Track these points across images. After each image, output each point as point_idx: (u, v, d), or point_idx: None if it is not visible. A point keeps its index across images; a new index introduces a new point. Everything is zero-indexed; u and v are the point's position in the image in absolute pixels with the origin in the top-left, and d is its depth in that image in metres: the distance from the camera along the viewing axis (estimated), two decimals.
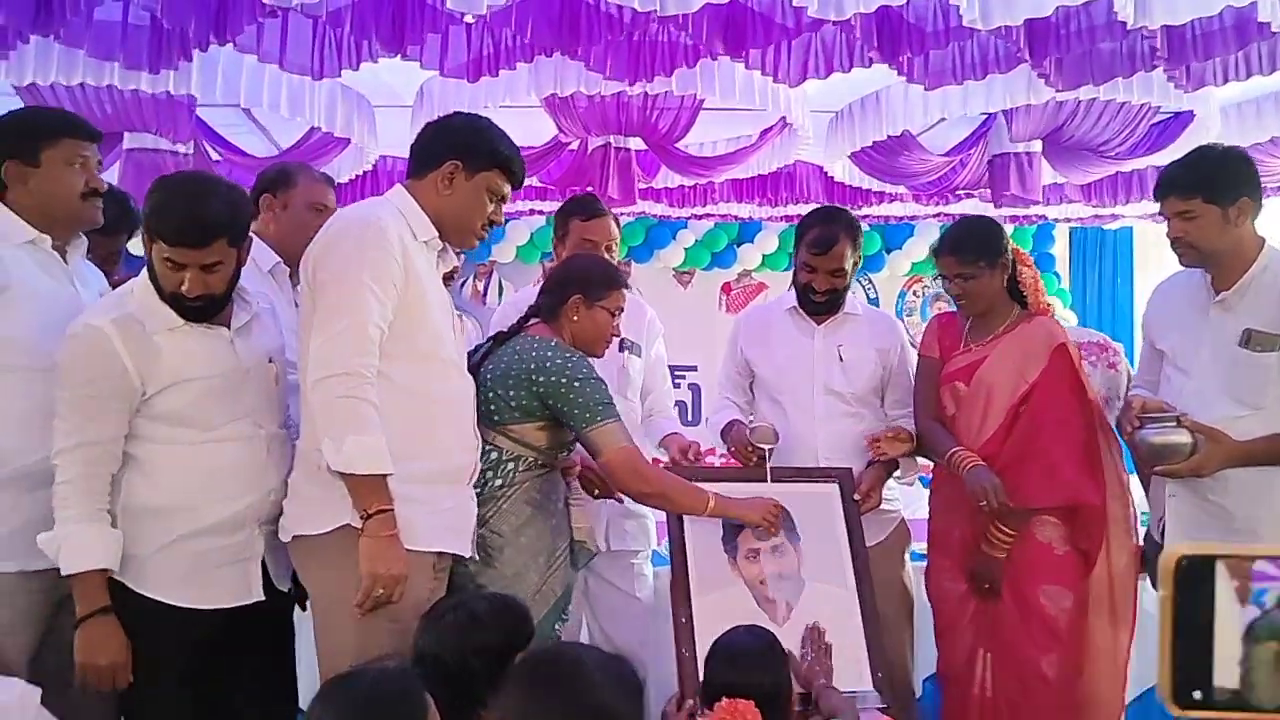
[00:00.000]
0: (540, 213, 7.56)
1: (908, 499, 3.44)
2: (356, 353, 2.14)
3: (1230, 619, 0.77)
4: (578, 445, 2.63)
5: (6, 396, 2.25)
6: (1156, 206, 7.04)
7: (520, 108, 4.51)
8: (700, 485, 2.70)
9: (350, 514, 2.15)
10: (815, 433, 3.11)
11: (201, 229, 2.16)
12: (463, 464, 2.36)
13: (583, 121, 4.82)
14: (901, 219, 8.07)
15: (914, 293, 8.81)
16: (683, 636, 2.65)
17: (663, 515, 2.91)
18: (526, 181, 5.99)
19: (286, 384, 2.45)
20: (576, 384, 2.45)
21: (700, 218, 8.06)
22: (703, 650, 2.54)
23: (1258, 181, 2.66)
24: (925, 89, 4.38)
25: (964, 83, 4.33)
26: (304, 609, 2.37)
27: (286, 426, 2.43)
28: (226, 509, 2.27)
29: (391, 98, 5.07)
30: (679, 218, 8.05)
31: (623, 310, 2.72)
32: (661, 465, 3.09)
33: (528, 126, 4.63)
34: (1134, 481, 3.01)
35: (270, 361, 2.39)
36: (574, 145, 5.52)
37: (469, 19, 3.84)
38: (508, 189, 2.43)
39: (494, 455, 2.48)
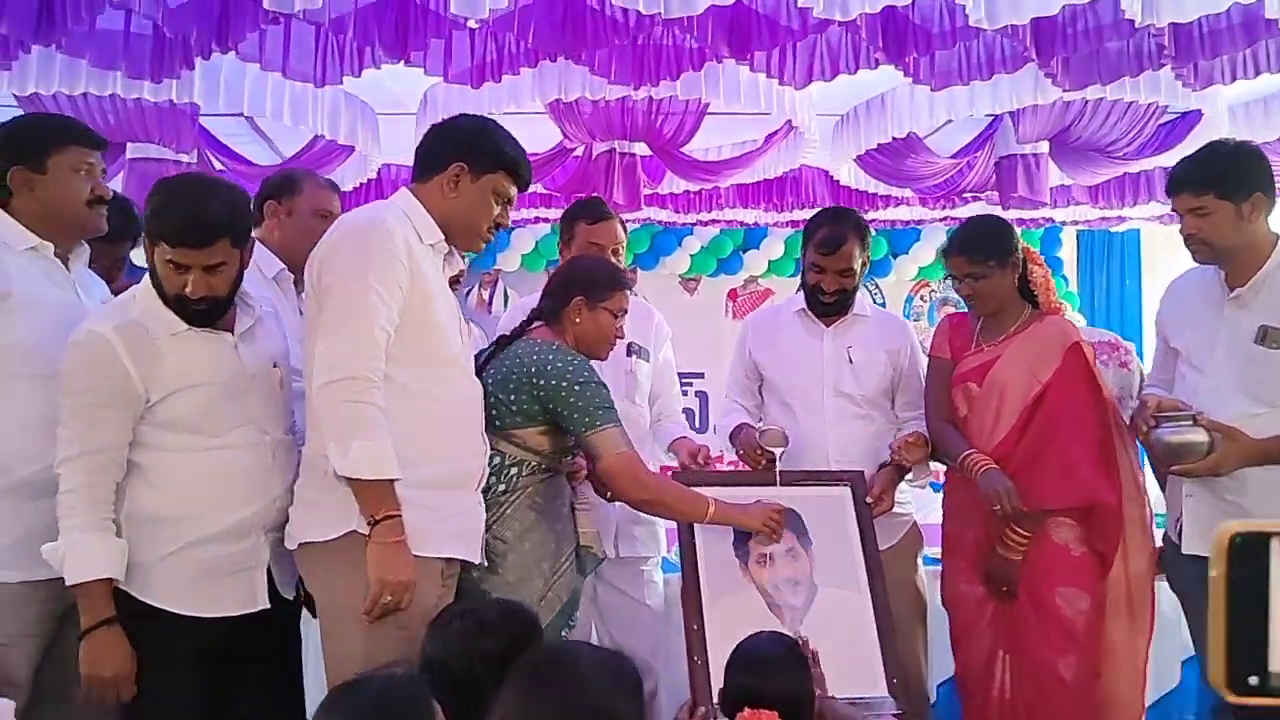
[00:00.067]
0: (545, 220, 7.53)
1: (920, 503, 3.41)
2: (363, 357, 2.11)
3: None
4: None
5: (8, 404, 2.23)
6: (1164, 208, 7.03)
7: (524, 114, 4.49)
8: (701, 491, 2.66)
9: (357, 520, 2.13)
10: (825, 435, 3.08)
11: (204, 229, 2.14)
12: (471, 469, 2.33)
13: (587, 127, 4.80)
14: (908, 223, 8.04)
15: (921, 297, 8.78)
16: (694, 644, 2.61)
17: (673, 523, 2.88)
18: (531, 189, 6.01)
19: (291, 390, 2.42)
20: (577, 388, 2.42)
21: (706, 224, 8.03)
22: (715, 657, 2.51)
23: (1271, 177, 2.63)
24: (931, 90, 4.34)
25: (970, 83, 4.29)
26: (314, 615, 2.33)
27: (292, 432, 2.41)
28: (232, 516, 2.24)
29: (395, 105, 5.06)
30: (684, 224, 8.02)
31: (626, 312, 2.69)
32: (670, 471, 3.07)
33: (532, 133, 4.60)
34: (1149, 482, 2.98)
35: (275, 366, 2.37)
36: (578, 151, 5.50)
37: (472, 24, 3.83)
38: (514, 191, 2.41)
39: (496, 460, 2.45)
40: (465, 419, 2.34)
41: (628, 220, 3.93)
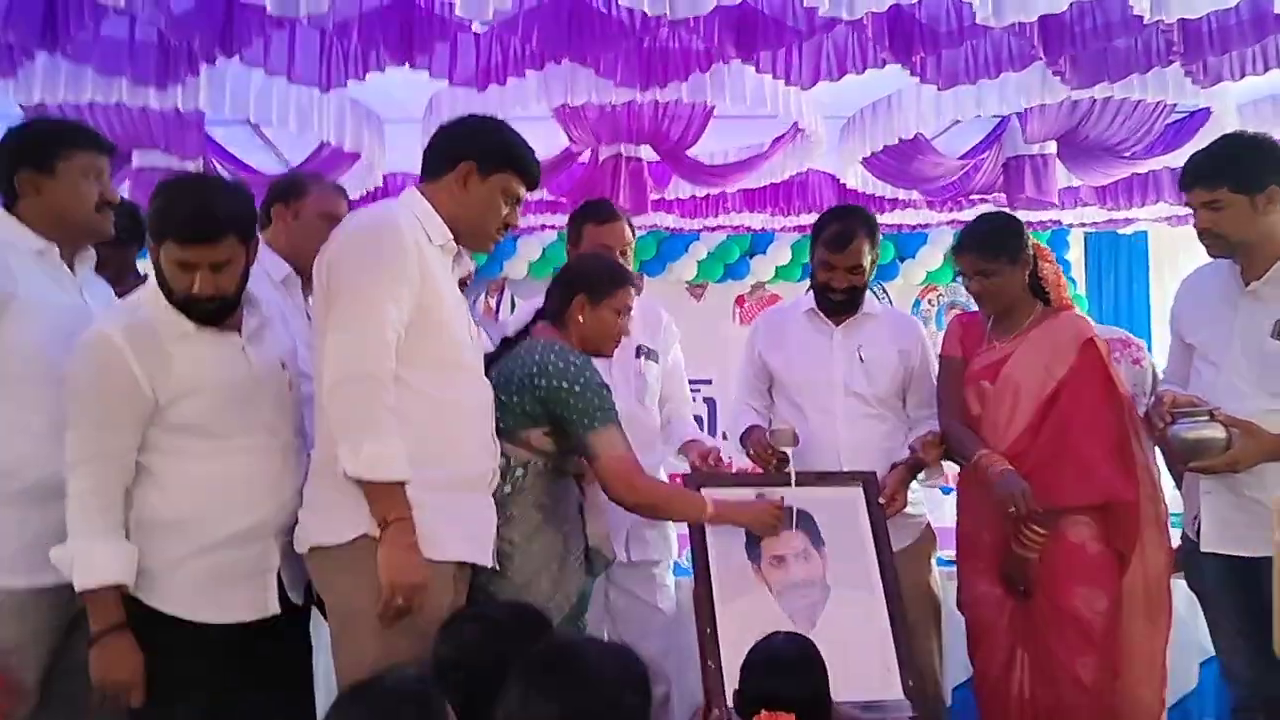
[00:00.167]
0: (551, 227, 7.52)
1: (931, 505, 3.38)
2: (373, 357, 2.09)
3: None
4: None
5: (15, 408, 2.22)
6: (1172, 209, 7.00)
7: (529, 119, 4.47)
8: (699, 492, 2.64)
9: (369, 523, 2.10)
10: (837, 435, 3.06)
11: (211, 225, 2.13)
12: (482, 471, 2.31)
13: (593, 130, 4.79)
14: (915, 227, 8.01)
15: (929, 301, 8.73)
16: (707, 647, 2.58)
17: (684, 525, 2.85)
18: (537, 195, 6.00)
19: (301, 393, 2.40)
20: (577, 388, 2.40)
21: (712, 229, 8.01)
22: (727, 660, 2.49)
23: None
24: (939, 89, 4.32)
25: (977, 82, 4.27)
26: (326, 618, 2.31)
27: (302, 435, 2.38)
28: (243, 521, 2.22)
29: (401, 112, 5.05)
30: (691, 230, 8.00)
31: (631, 309, 2.67)
32: (680, 477, 3.05)
33: (537, 138, 4.57)
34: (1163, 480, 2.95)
35: (283, 368, 2.35)
36: (584, 157, 5.49)
37: (477, 27, 3.83)
38: (523, 190, 2.39)
39: (502, 462, 2.41)
40: (475, 420, 2.32)
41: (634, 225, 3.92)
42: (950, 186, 5.92)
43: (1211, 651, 3.33)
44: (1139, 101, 4.61)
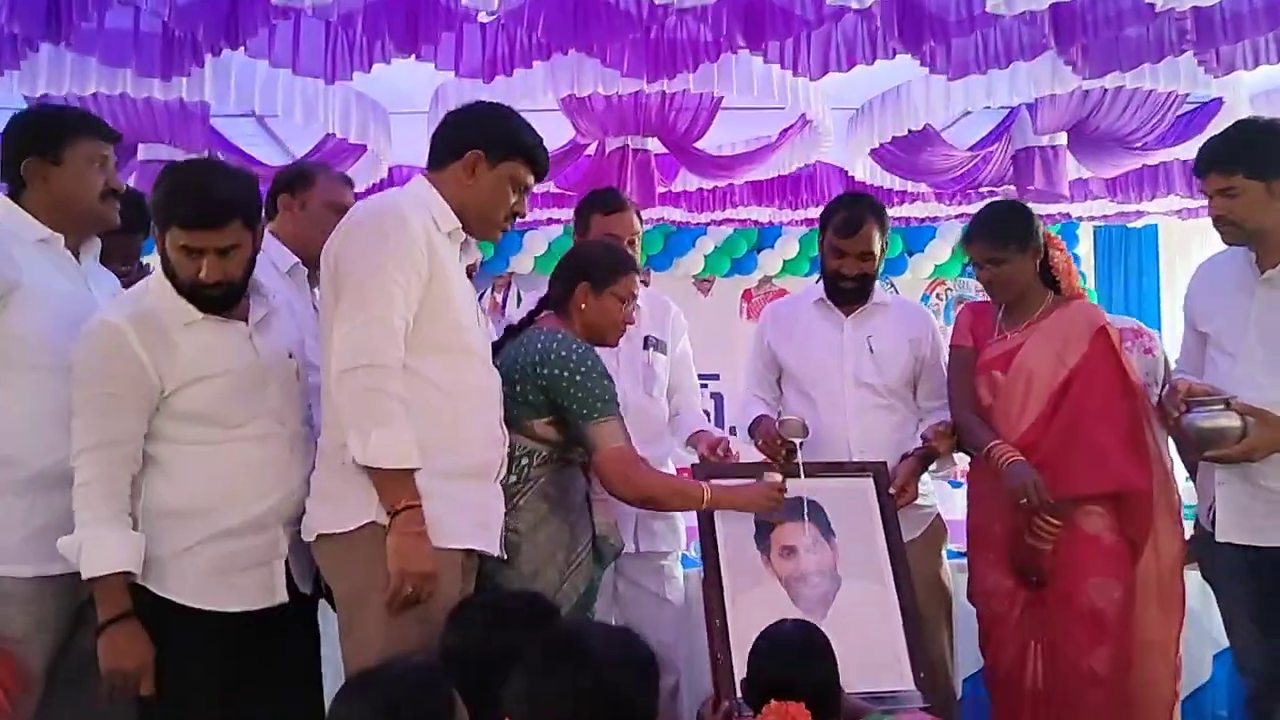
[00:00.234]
0: (558, 221, 7.51)
1: (940, 498, 3.35)
2: (382, 344, 2.07)
3: None
4: None
5: (20, 397, 2.20)
6: (1183, 202, 6.96)
7: (536, 111, 4.45)
8: (697, 480, 2.62)
9: (376, 511, 2.08)
10: (847, 426, 3.03)
11: (216, 208, 2.12)
12: (490, 460, 2.29)
13: (600, 122, 4.77)
14: (923, 220, 7.99)
15: (937, 295, 8.72)
16: (717, 638, 2.57)
17: (693, 517, 2.83)
18: (543, 188, 5.98)
19: (308, 383, 2.39)
20: (578, 377, 2.37)
21: (720, 223, 7.99)
22: (737, 651, 2.47)
23: None
24: (948, 79, 4.29)
25: (988, 72, 4.24)
26: (334, 608, 2.29)
27: (309, 425, 2.37)
28: (250, 510, 2.20)
29: (406, 104, 5.03)
30: (698, 224, 7.99)
31: (635, 297, 2.64)
32: (687, 469, 3.02)
33: (544, 130, 4.56)
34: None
35: (290, 357, 2.33)
36: (591, 149, 5.47)
37: (483, 17, 3.80)
38: (531, 179, 2.37)
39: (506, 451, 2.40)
40: (484, 409, 2.30)
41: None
42: (959, 179, 5.90)
43: (1225, 644, 3.30)
44: (1151, 91, 4.59)
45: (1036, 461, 2.69)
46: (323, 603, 2.41)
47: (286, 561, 2.27)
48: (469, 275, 2.47)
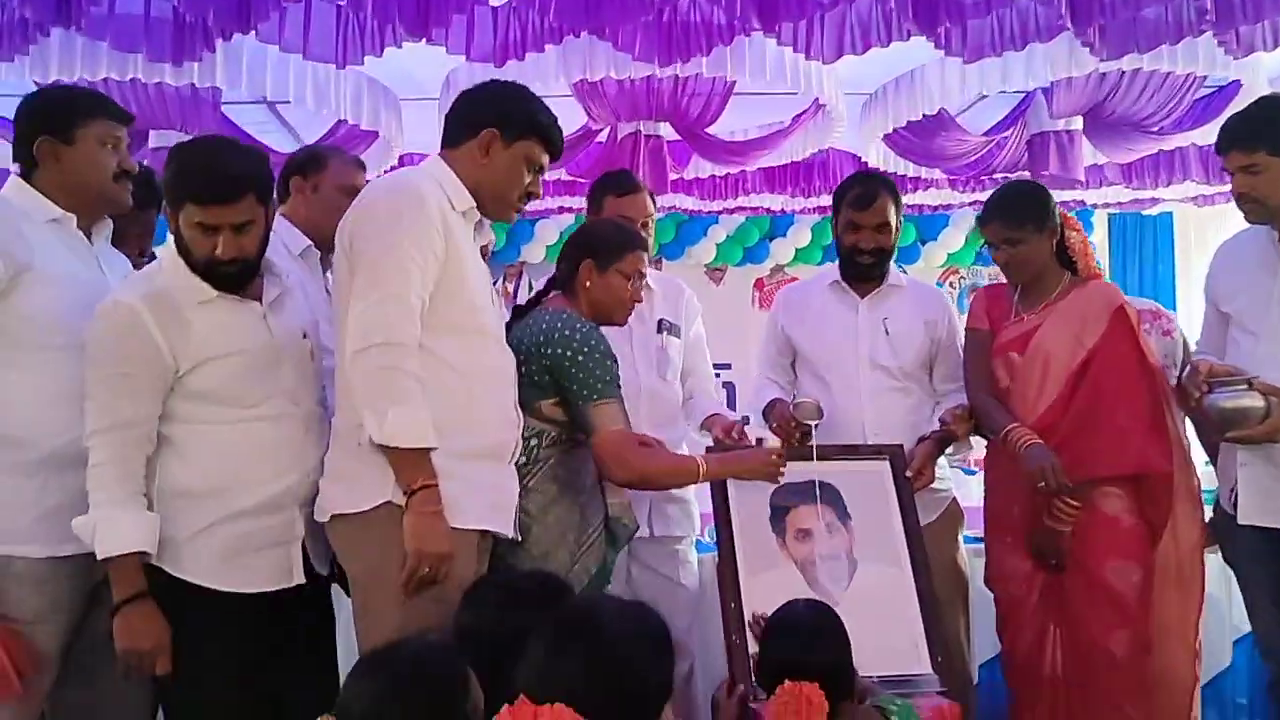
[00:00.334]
0: (569, 210, 7.48)
1: (955, 484, 3.32)
2: (398, 323, 2.05)
3: None
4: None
5: (32, 377, 2.18)
6: (1199, 188, 6.89)
7: (547, 97, 4.43)
8: (691, 454, 2.58)
9: (392, 491, 2.07)
10: (862, 409, 3.01)
11: (231, 182, 2.11)
12: (505, 441, 2.27)
13: (612, 107, 4.75)
14: (936, 208, 7.95)
15: (950, 284, 8.66)
16: (732, 622, 2.55)
17: (707, 502, 2.81)
18: (555, 174, 5.96)
19: (322, 365, 2.37)
20: (580, 357, 2.35)
21: (732, 211, 7.96)
22: (752, 635, 2.45)
23: None
24: (964, 62, 4.24)
25: (1003, 55, 4.20)
26: (347, 592, 2.28)
27: (324, 406, 2.35)
28: (266, 490, 2.19)
29: (418, 91, 5.01)
30: (710, 212, 7.95)
31: (643, 275, 2.61)
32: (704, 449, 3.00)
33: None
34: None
35: (304, 337, 2.32)
36: (603, 136, 5.44)
37: (495, 1, 3.78)
38: (546, 159, 2.35)
39: None
40: (498, 390, 2.28)
41: None
42: (973, 165, 5.85)
43: (1245, 630, 3.28)
44: (1168, 74, 4.54)
45: (1055, 444, 2.66)
46: (335, 586, 2.40)
47: (303, 542, 2.25)
48: (483, 256, 2.46)
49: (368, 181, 2.84)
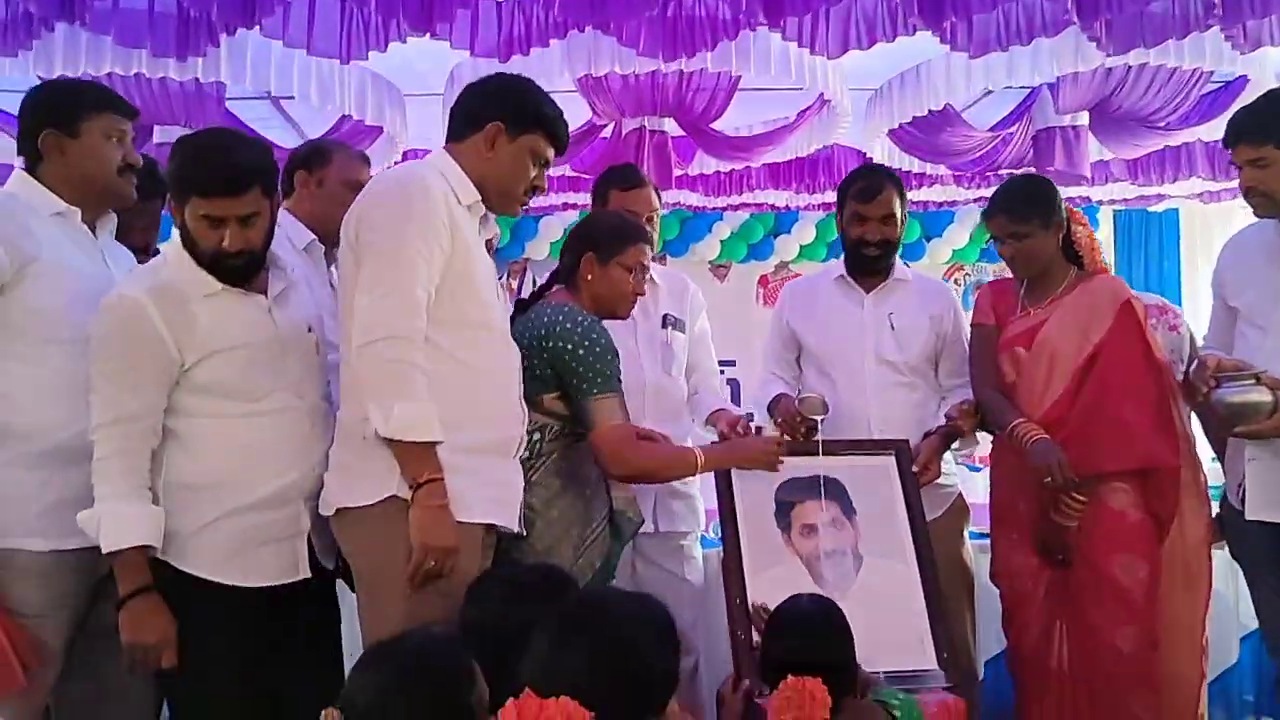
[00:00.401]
0: (573, 206, 7.47)
1: (960, 479, 3.31)
2: (404, 316, 2.04)
3: None
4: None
5: (38, 370, 2.18)
6: (1205, 185, 6.85)
7: (552, 92, 4.42)
8: (689, 446, 2.57)
9: (397, 485, 2.06)
10: (867, 404, 3.00)
11: (237, 174, 2.10)
12: (510, 436, 2.26)
13: (617, 102, 4.74)
14: (941, 205, 7.93)
15: (955, 281, 8.65)
16: (737, 617, 2.54)
17: (712, 498, 2.80)
18: (559, 171, 5.95)
19: (326, 360, 2.36)
20: (580, 351, 2.35)
21: (736, 208, 7.94)
22: (757, 630, 2.44)
23: None
24: (970, 57, 4.24)
25: (1009, 49, 4.19)
26: (351, 587, 2.27)
27: (329, 400, 2.35)
28: (271, 484, 2.18)
29: (421, 86, 5.01)
30: (714, 208, 7.94)
31: (645, 268, 2.59)
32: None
33: None
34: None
35: (309, 331, 2.31)
36: (607, 132, 5.43)
37: None
38: (551, 153, 2.34)
39: None
40: (504, 384, 2.27)
41: None
42: (978, 161, 5.84)
43: (1252, 627, 3.27)
44: (1175, 69, 4.52)
45: (1061, 438, 2.65)
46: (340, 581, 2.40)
47: (309, 536, 2.25)
48: (488, 250, 2.45)
49: (372, 176, 2.84)
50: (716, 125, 5.21)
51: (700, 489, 3.12)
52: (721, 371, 3.31)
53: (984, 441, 3.19)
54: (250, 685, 2.15)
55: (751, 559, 2.63)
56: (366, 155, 3.03)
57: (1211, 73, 4.68)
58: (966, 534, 3.13)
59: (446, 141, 2.33)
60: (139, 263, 2.54)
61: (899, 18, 3.96)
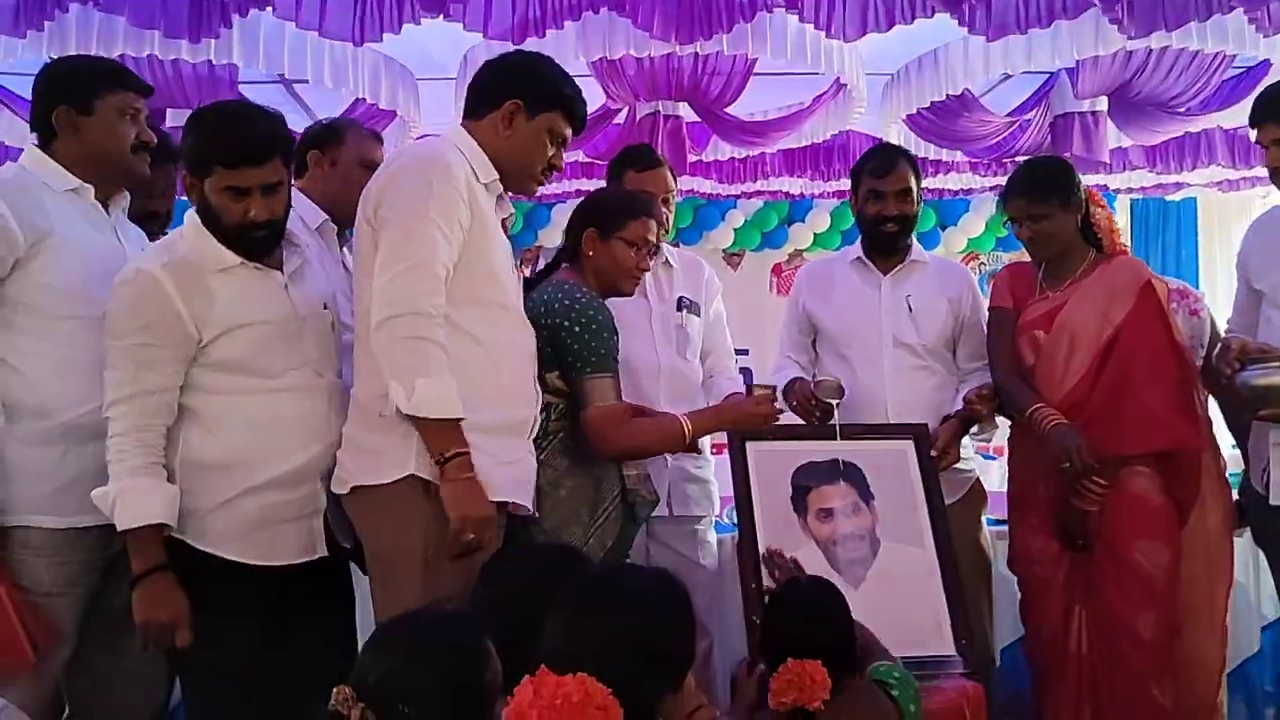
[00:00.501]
0: (587, 193, 7.43)
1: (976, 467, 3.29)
2: (424, 292, 2.02)
3: None
4: None
5: (53, 347, 2.17)
6: (1224, 173, 6.79)
7: None
8: (675, 415, 2.52)
9: (415, 463, 2.05)
10: (884, 388, 2.97)
11: (259, 143, 2.09)
12: (525, 416, 2.25)
13: (631, 86, 4.71)
14: (957, 193, 7.88)
15: (971, 270, 8.59)
16: (752, 602, 2.52)
17: (728, 483, 2.78)
18: (572, 157, 5.92)
19: (341, 338, 2.35)
20: (577, 329, 2.33)
21: (750, 195, 7.90)
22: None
23: None
24: (987, 40, 4.18)
25: (1028, 33, 4.13)
26: (363, 570, 2.25)
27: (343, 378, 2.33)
28: (289, 462, 2.17)
29: (436, 70, 4.98)
30: (728, 196, 7.90)
31: (650, 243, 2.55)
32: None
33: None
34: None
35: (325, 308, 2.29)
36: (621, 118, 5.40)
37: None
38: (569, 131, 2.31)
39: None
40: (519, 365, 2.25)
41: None
42: (995, 147, 5.79)
43: (1273, 616, 3.24)
44: (1196, 53, 4.46)
45: (1081, 421, 2.62)
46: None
47: (326, 515, 2.23)
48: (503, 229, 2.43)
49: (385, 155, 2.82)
50: (731, 110, 5.17)
51: (715, 474, 3.09)
52: (735, 360, 3.28)
53: (1002, 428, 3.16)
54: (263, 664, 2.14)
55: (768, 543, 2.61)
56: (379, 134, 3.02)
57: (1233, 57, 4.62)
58: (984, 519, 3.11)
59: (464, 119, 2.31)
60: (160, 230, 2.54)
61: (917, 0, 3.92)
